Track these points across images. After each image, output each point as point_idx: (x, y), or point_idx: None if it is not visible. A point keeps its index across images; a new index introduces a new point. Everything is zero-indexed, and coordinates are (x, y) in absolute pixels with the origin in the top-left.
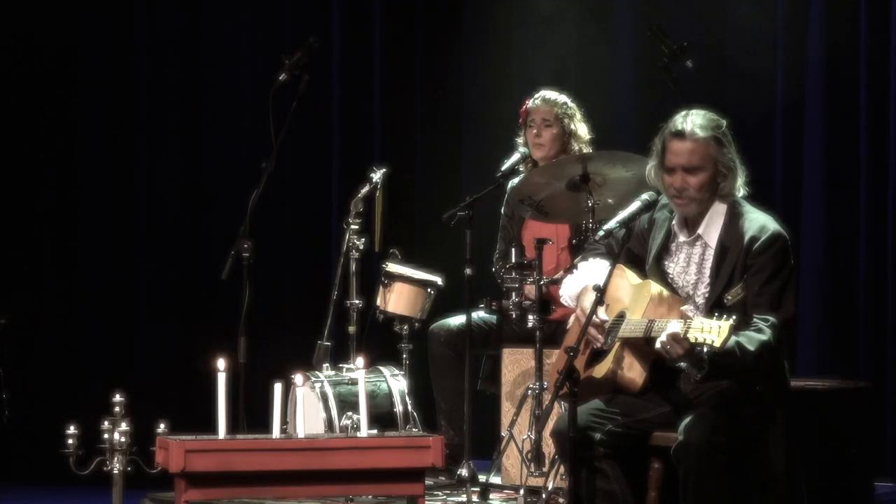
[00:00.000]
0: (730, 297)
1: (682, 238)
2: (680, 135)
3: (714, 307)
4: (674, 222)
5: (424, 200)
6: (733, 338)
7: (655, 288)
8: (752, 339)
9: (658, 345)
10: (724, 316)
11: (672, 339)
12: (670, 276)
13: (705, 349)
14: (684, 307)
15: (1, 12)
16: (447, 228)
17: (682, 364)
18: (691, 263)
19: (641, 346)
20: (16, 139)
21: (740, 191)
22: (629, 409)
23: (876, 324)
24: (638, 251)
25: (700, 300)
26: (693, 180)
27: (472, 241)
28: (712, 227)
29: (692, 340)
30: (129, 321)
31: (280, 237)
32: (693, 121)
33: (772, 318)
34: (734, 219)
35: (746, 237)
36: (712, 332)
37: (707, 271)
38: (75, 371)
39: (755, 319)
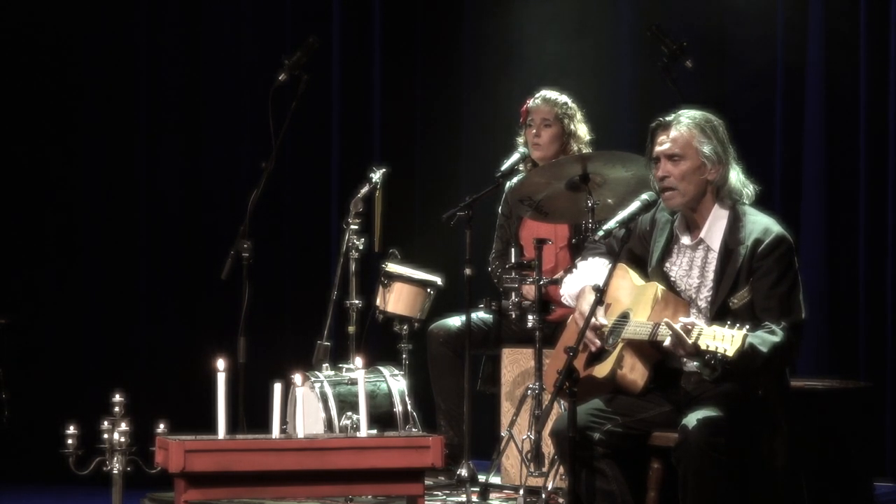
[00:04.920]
0: (735, 301)
1: (684, 241)
2: (665, 125)
3: (718, 311)
4: (675, 225)
5: (424, 200)
6: (747, 341)
7: (661, 290)
8: (764, 340)
9: (667, 342)
10: (738, 325)
11: (677, 342)
12: (672, 279)
13: (718, 356)
14: (691, 313)
15: (1, 11)
16: (447, 228)
17: (695, 364)
18: (694, 267)
19: (644, 347)
20: (16, 139)
21: (744, 196)
22: (629, 409)
23: (876, 324)
24: (640, 252)
25: (703, 304)
26: (674, 169)
27: (471, 241)
28: (715, 231)
29: (703, 348)
30: (129, 321)
31: (280, 237)
32: (682, 114)
33: (784, 322)
34: (737, 222)
35: (751, 239)
36: (725, 340)
37: (710, 275)
38: (75, 371)
39: (766, 322)
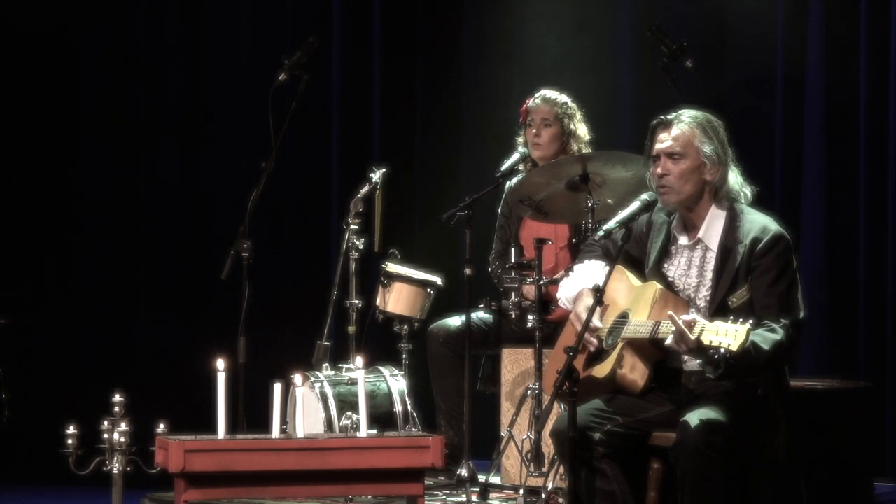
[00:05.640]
0: (734, 300)
1: (682, 241)
2: (666, 124)
3: (718, 310)
4: (673, 225)
5: (424, 200)
6: (750, 339)
7: (660, 289)
8: (766, 338)
9: (669, 339)
10: (741, 319)
11: (680, 338)
12: (671, 279)
13: (722, 351)
14: (691, 312)
15: (2, 11)
16: (447, 228)
17: (698, 362)
18: (692, 267)
19: (645, 347)
20: (16, 139)
21: (741, 197)
22: (629, 409)
23: (876, 324)
24: (636, 254)
25: (702, 303)
26: (674, 167)
27: (471, 241)
28: (713, 231)
29: (706, 343)
30: (129, 321)
31: (280, 237)
32: (683, 113)
33: (784, 320)
34: (734, 221)
35: (749, 238)
36: (728, 335)
37: (708, 274)
38: (75, 371)
39: (766, 321)
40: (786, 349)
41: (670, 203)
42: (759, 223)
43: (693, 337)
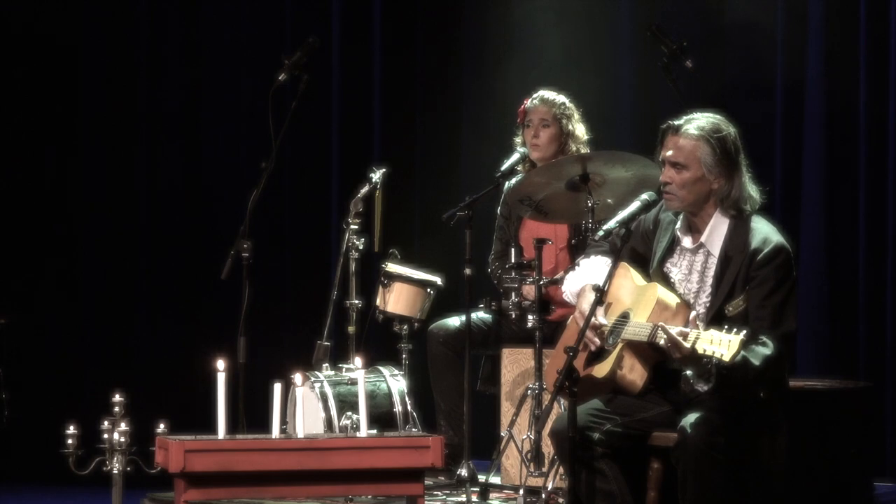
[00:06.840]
0: (731, 308)
1: (685, 244)
2: (675, 130)
3: (715, 317)
4: (678, 226)
5: (424, 200)
6: (741, 352)
7: (662, 291)
8: (757, 353)
9: (661, 342)
10: (735, 329)
11: (673, 343)
12: (672, 281)
13: (714, 361)
14: (693, 314)
15: (3, 9)
16: (447, 228)
17: (689, 373)
18: (693, 272)
19: (644, 348)
20: (16, 138)
21: (750, 202)
22: (628, 409)
23: (876, 324)
24: (642, 251)
25: (701, 309)
26: (677, 177)
27: (471, 241)
28: (715, 236)
29: (700, 352)
30: (129, 321)
31: (280, 237)
32: (693, 120)
33: (774, 333)
34: (738, 228)
35: (750, 248)
36: (722, 344)
37: (709, 280)
38: (75, 371)
39: (759, 335)
40: (776, 363)
41: (673, 209)
42: (761, 233)
43: (688, 345)
